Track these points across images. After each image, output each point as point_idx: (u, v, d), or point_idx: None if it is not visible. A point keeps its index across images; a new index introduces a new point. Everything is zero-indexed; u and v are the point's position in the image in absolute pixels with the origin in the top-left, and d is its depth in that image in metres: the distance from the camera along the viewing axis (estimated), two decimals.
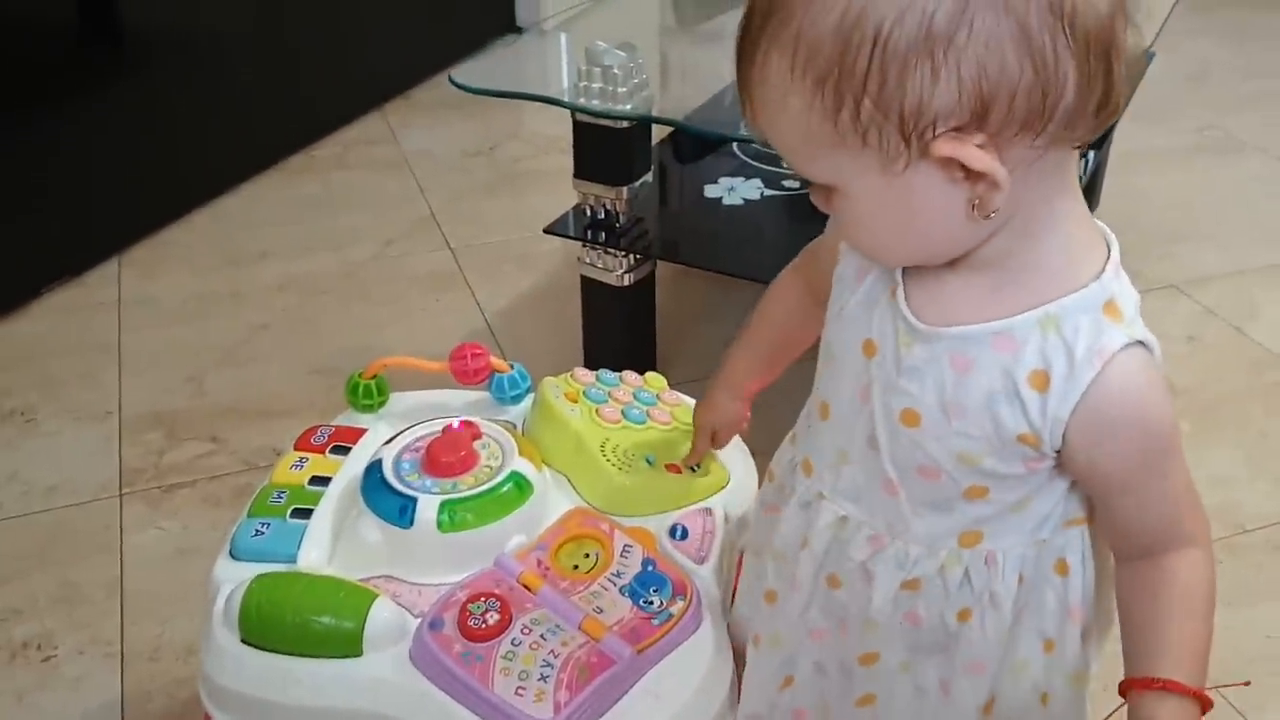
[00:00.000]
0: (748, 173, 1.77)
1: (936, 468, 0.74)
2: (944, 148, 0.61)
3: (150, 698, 1.32)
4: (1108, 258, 0.69)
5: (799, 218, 1.71)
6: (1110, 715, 0.77)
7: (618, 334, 1.70)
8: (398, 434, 1.01)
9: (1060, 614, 0.78)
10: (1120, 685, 0.74)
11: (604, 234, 1.63)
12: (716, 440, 1.02)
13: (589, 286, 1.69)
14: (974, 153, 0.61)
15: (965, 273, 0.70)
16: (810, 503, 0.82)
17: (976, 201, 0.63)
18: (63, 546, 1.53)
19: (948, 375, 0.71)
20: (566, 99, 1.53)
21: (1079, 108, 0.62)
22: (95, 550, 1.52)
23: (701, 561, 0.96)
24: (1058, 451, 0.70)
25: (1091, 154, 1.95)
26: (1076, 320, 0.67)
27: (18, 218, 1.97)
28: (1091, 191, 2.14)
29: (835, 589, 0.82)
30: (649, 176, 1.63)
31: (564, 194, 1.69)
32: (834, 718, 0.87)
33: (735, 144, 1.82)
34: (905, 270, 0.72)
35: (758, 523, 0.92)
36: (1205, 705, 0.71)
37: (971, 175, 0.62)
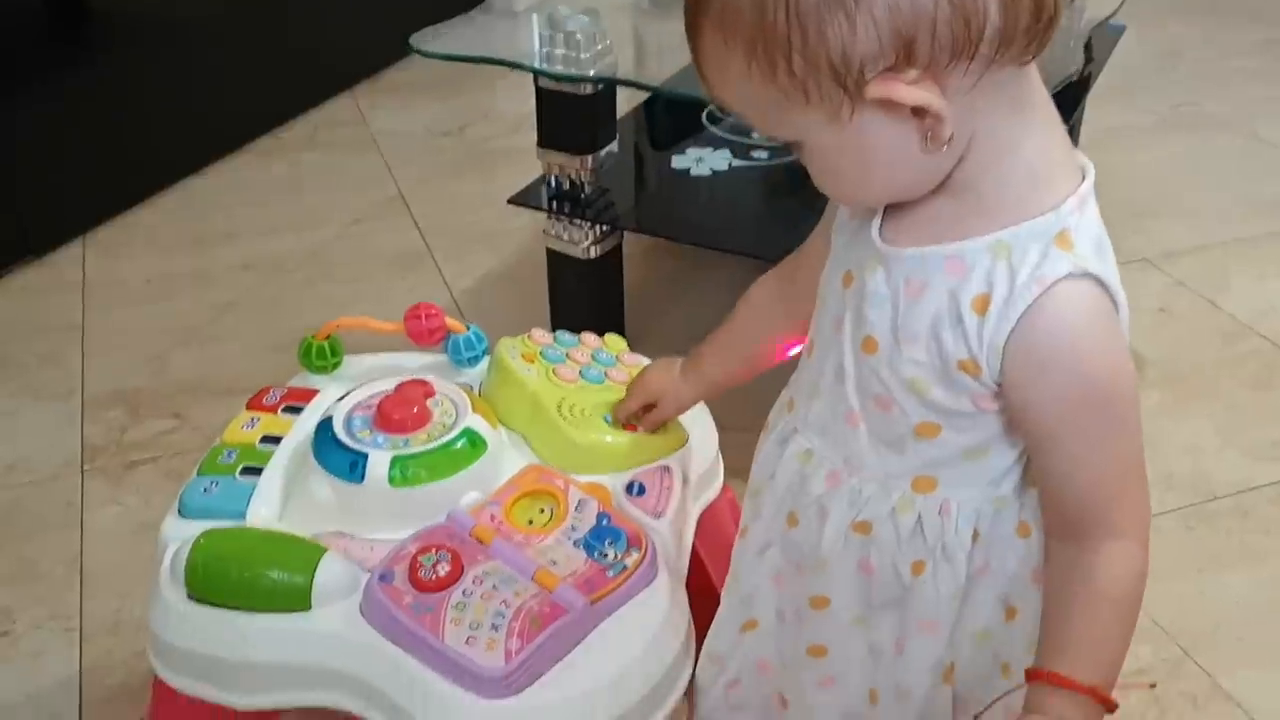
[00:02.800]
0: (716, 144, 1.76)
1: (890, 397, 0.73)
2: (876, 90, 0.62)
3: (110, 672, 1.30)
4: (1077, 187, 0.68)
5: (767, 189, 1.69)
6: (1001, 697, 0.75)
7: (585, 309, 1.69)
8: (349, 392, 0.99)
9: (1023, 579, 0.77)
10: (1026, 671, 0.72)
11: (569, 205, 1.61)
12: (651, 411, 1.00)
13: (555, 260, 1.67)
14: (904, 90, 0.62)
15: (940, 200, 0.70)
16: (786, 438, 0.82)
17: (928, 134, 0.64)
18: (21, 524, 1.51)
19: (902, 300, 0.71)
20: (529, 63, 1.51)
21: (1008, 27, 0.61)
22: (55, 527, 1.50)
23: (659, 516, 0.95)
24: (999, 385, 0.69)
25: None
26: (1026, 247, 0.67)
27: None
28: None
29: (793, 528, 0.81)
30: (614, 146, 1.61)
31: (533, 173, 1.68)
32: (789, 668, 0.86)
33: (703, 115, 1.81)
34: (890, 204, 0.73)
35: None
36: (1107, 706, 0.69)
37: (914, 110, 0.63)
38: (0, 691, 1.28)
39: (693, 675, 0.92)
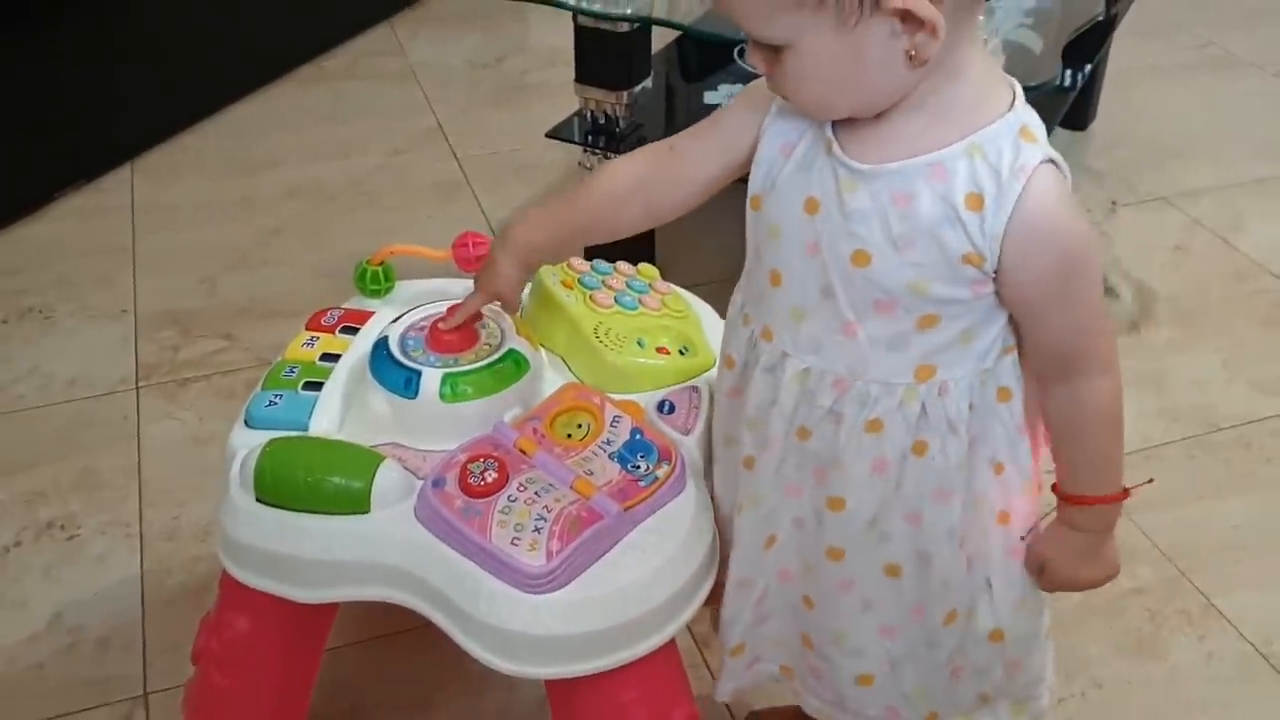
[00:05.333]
0: (746, 79, 1.80)
1: (891, 300, 0.81)
2: (898, 0, 0.70)
3: (170, 574, 1.39)
4: (1014, 94, 0.79)
5: None
6: (1047, 516, 0.92)
7: (618, 240, 1.74)
8: (402, 314, 1.06)
9: (1009, 437, 0.87)
10: (1052, 486, 0.90)
11: (604, 138, 1.67)
12: (507, 307, 1.02)
13: None
14: (922, 2, 0.70)
15: (895, 118, 0.78)
16: (774, 366, 0.88)
17: (913, 51, 0.72)
18: (83, 435, 1.59)
19: (891, 211, 0.78)
20: (569, 1, 1.56)
21: None
22: (114, 439, 1.58)
23: (687, 433, 1.02)
24: (996, 272, 0.78)
25: (1087, 67, 1.98)
26: (998, 145, 0.76)
27: (33, 122, 2.02)
28: (1086, 105, 2.17)
29: (805, 440, 0.88)
30: (649, 82, 1.67)
31: (569, 106, 1.74)
32: (812, 570, 0.93)
33: (735, 52, 1.86)
34: (836, 127, 0.81)
35: (721, 411, 0.98)
36: (1123, 497, 0.88)
37: (910, 26, 0.71)
38: (70, 589, 1.37)
39: (714, 618, 1.00)
